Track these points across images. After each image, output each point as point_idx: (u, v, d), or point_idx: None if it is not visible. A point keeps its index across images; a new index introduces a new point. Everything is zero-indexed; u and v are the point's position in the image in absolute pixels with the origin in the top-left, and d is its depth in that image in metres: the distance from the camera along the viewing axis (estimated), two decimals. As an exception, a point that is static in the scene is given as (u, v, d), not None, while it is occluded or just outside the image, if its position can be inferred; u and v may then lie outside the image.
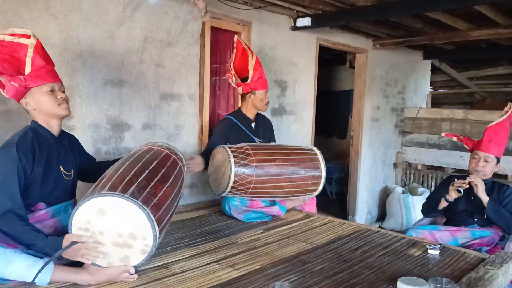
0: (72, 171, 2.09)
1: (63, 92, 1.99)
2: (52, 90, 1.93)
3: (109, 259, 1.77)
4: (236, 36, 3.25)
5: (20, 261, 1.66)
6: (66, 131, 2.28)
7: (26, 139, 1.86)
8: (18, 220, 1.73)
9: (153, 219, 1.73)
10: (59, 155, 2.00)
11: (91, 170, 2.26)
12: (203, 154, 3.06)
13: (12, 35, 1.89)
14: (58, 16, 2.61)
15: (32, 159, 1.84)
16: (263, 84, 3.15)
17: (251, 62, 3.09)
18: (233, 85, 3.22)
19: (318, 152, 3.01)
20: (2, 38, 1.87)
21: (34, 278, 1.64)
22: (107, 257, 1.76)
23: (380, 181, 6.05)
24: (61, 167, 2.01)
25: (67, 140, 2.14)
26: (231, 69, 3.18)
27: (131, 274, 1.78)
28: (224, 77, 3.66)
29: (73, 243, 1.69)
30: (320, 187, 2.98)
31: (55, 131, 2.00)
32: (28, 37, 1.91)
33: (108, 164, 2.18)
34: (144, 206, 1.72)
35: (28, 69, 1.88)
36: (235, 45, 3.19)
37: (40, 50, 1.94)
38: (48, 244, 1.72)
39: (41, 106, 1.92)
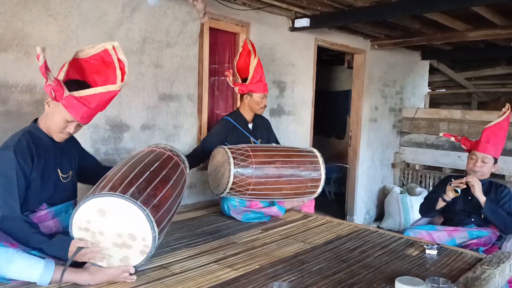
0: (70, 172, 2.10)
1: (78, 126, 1.96)
2: (70, 121, 1.91)
3: (109, 260, 1.78)
4: (244, 36, 3.26)
5: (22, 260, 1.67)
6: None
7: (23, 144, 1.86)
8: (23, 223, 1.75)
9: (153, 220, 1.74)
10: (56, 158, 2.01)
11: (93, 172, 2.23)
12: (196, 150, 3.11)
13: (120, 62, 1.89)
14: (58, 18, 2.62)
15: (31, 162, 1.85)
16: (261, 87, 3.15)
17: (253, 63, 3.10)
18: (230, 83, 3.23)
19: (318, 154, 3.00)
20: (115, 59, 1.87)
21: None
22: (107, 257, 1.77)
23: (378, 181, 6.06)
24: (58, 170, 2.01)
25: (65, 142, 2.11)
26: (234, 68, 3.19)
27: (131, 274, 1.79)
28: (222, 77, 3.67)
29: (79, 249, 1.72)
30: (319, 190, 2.98)
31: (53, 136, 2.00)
32: (122, 80, 1.88)
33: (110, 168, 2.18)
34: (143, 207, 1.72)
35: (81, 93, 1.85)
36: (242, 44, 3.20)
37: (108, 100, 1.92)
38: (53, 247, 1.74)
39: (51, 119, 1.91)
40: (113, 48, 1.87)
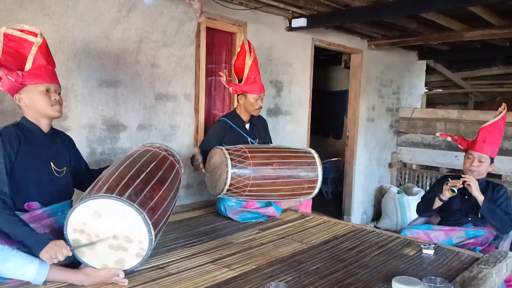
0: (65, 168, 2.08)
1: (59, 94, 1.99)
2: (47, 90, 1.94)
3: (104, 262, 1.76)
4: (243, 36, 3.23)
5: (17, 258, 1.66)
6: (63, 131, 2.28)
7: (10, 129, 1.88)
8: (5, 209, 1.72)
9: (149, 222, 1.72)
10: (49, 151, 2.00)
11: (83, 177, 2.22)
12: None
13: (21, 31, 1.92)
14: (53, 17, 2.61)
15: (17, 147, 1.85)
16: (256, 89, 3.06)
17: (247, 63, 3.03)
18: (224, 83, 3.18)
19: (316, 155, 2.98)
20: (10, 32, 1.90)
21: None
22: (102, 259, 1.76)
23: (375, 181, 6.07)
24: (51, 163, 2.00)
25: (60, 138, 2.13)
26: (232, 68, 3.15)
27: (123, 277, 1.78)
28: (219, 77, 3.65)
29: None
30: (316, 191, 2.97)
31: (44, 129, 2.00)
32: (35, 35, 1.94)
33: (101, 171, 2.16)
34: (140, 210, 1.71)
35: (28, 66, 1.91)
36: (239, 43, 3.16)
37: (44, 49, 1.97)
38: (33, 241, 1.70)
39: (34, 104, 1.93)
40: (4, 33, 1.90)
